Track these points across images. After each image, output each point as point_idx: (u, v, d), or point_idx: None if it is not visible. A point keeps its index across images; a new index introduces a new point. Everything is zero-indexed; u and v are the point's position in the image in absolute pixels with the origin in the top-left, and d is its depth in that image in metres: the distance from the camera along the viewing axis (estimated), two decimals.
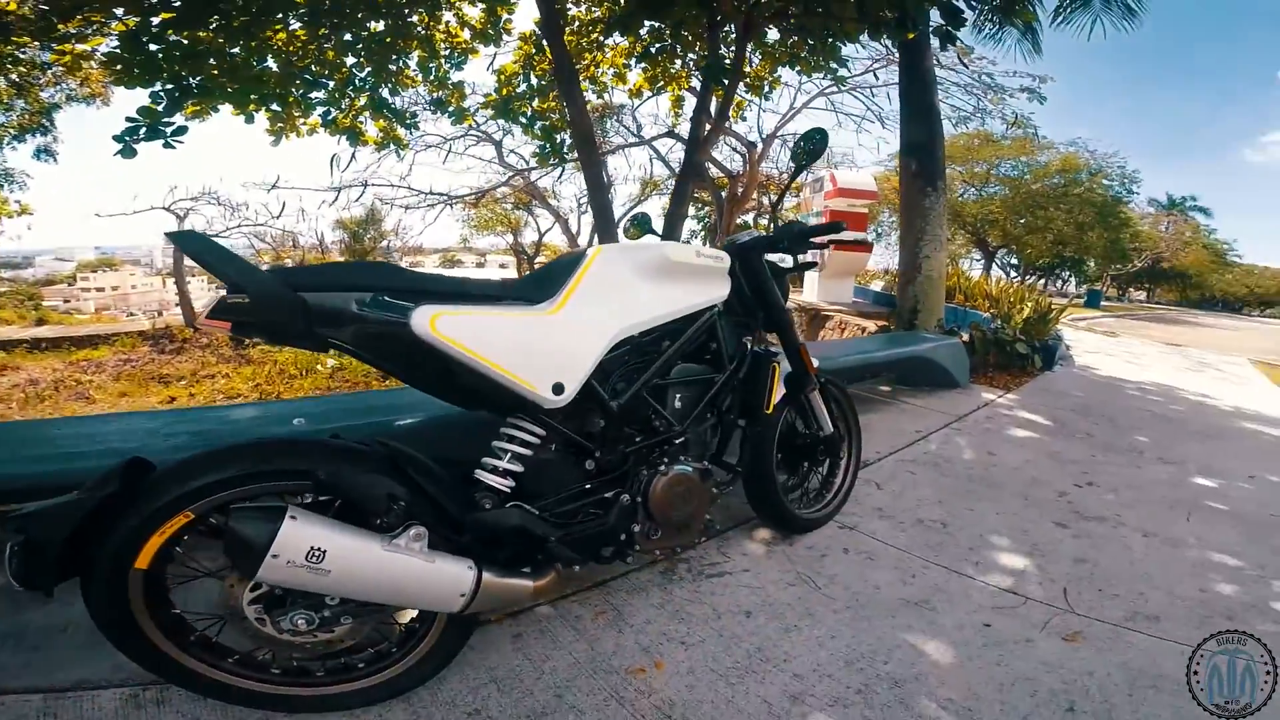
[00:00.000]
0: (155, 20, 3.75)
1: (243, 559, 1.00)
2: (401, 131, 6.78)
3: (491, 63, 6.71)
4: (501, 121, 8.01)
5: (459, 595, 1.20)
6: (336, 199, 9.56)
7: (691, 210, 17.07)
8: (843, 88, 9.46)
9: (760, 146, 10.99)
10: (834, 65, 5.60)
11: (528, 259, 22.15)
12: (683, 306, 1.58)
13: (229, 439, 1.48)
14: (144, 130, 4.33)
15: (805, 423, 2.18)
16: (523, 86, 6.73)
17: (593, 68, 6.97)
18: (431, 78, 6.36)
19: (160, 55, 4.01)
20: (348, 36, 5.23)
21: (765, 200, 14.04)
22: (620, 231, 2.36)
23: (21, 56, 4.68)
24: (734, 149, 12.21)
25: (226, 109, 5.04)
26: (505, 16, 5.76)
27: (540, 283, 1.38)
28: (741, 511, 2.17)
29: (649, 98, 7.88)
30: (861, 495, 2.45)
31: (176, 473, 1.04)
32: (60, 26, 3.54)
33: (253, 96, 5.04)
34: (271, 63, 5.29)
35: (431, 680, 1.34)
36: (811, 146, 1.79)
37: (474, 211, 19.85)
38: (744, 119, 9.94)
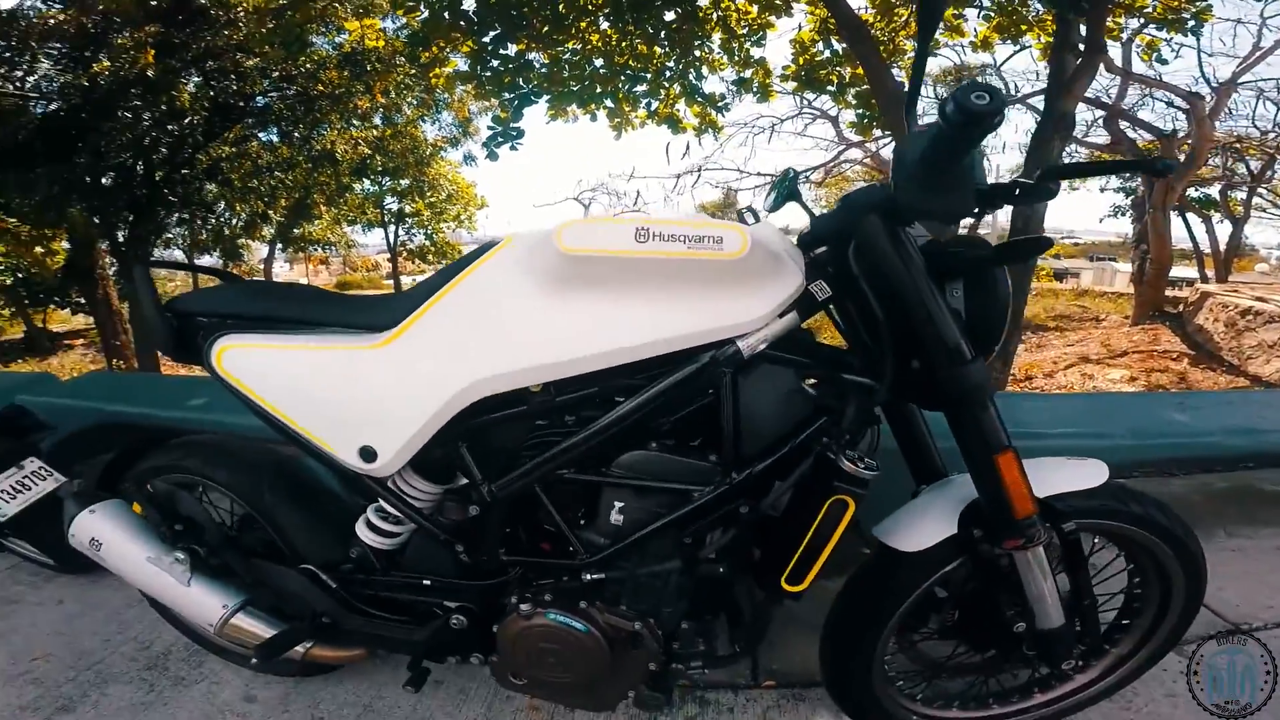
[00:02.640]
0: (486, 39, 4.67)
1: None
2: (715, 115, 7.01)
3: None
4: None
5: (207, 623, 1.19)
6: (675, 185, 10.49)
7: (1115, 183, 13.30)
8: None
9: (1212, 99, 8.03)
10: None
11: None
12: (615, 345, 0.88)
13: None
14: (500, 135, 5.54)
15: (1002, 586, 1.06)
16: (826, 53, 6.25)
17: (914, 23, 6.06)
18: (735, 58, 6.41)
19: (497, 69, 5.03)
20: (649, 29, 5.62)
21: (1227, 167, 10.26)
22: (763, 207, 1.14)
23: (411, 83, 6.48)
24: (1171, 104, 9.22)
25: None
26: None
27: (404, 297, 1.00)
28: None
29: (1016, 51, 6.46)
30: None
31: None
32: (423, 55, 4.71)
33: (574, 93, 5.84)
34: (599, 63, 6.04)
35: None
36: None
37: (824, 191, 19.47)
38: (1163, 62, 7.27)
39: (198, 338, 1.07)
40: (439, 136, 8.72)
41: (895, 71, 6.72)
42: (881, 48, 6.31)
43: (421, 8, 4.50)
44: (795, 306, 0.91)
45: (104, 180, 6.22)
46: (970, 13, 5.71)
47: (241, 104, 6.48)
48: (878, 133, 8.54)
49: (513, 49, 4.95)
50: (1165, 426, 1.89)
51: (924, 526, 0.98)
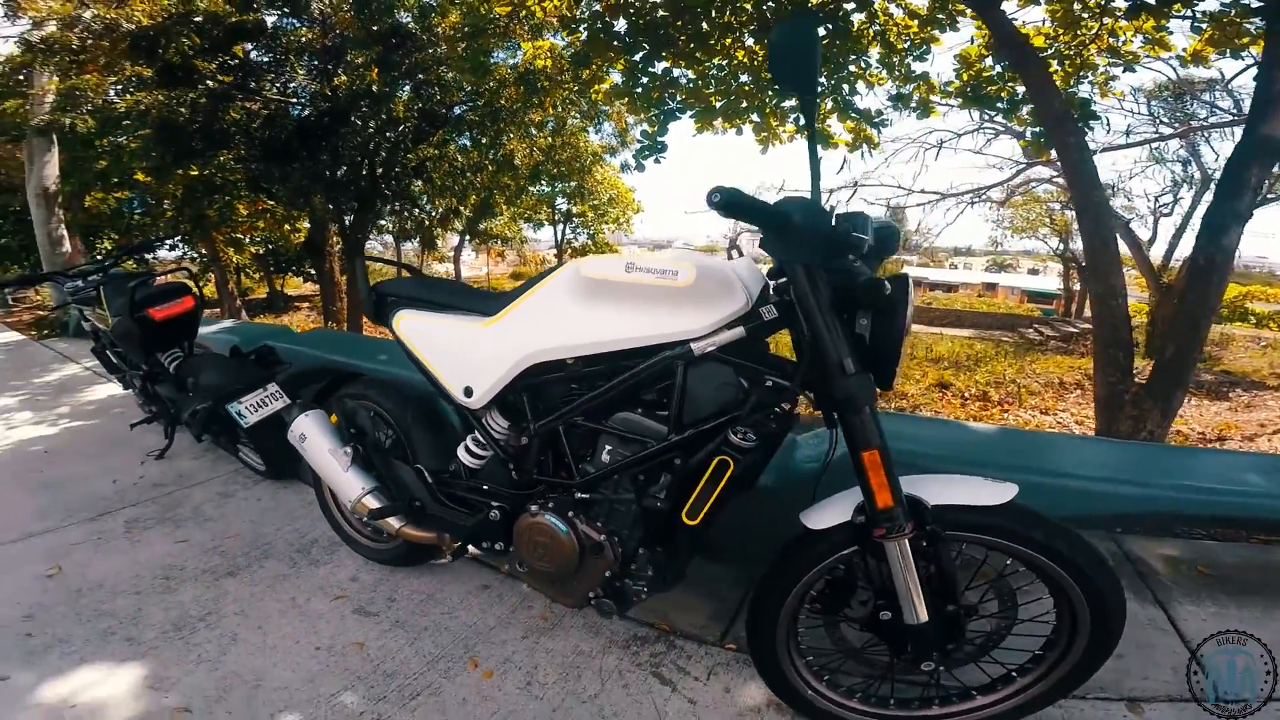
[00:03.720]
0: (636, 57, 5.11)
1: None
2: (871, 131, 6.86)
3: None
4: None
5: (348, 499, 1.78)
6: (828, 200, 10.30)
7: None
8: None
9: None
10: None
11: (1076, 266, 18.44)
12: (608, 338, 1.26)
13: None
14: (648, 148, 6.00)
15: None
16: (996, 68, 5.88)
17: (1105, 36, 5.49)
18: (895, 73, 6.24)
19: (646, 85, 5.46)
20: None
21: None
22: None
23: (575, 98, 7.12)
24: None
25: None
26: None
27: (506, 295, 1.47)
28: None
29: (1245, 68, 5.58)
30: None
31: None
32: (584, 72, 5.27)
33: (718, 109, 6.08)
34: (745, 78, 6.22)
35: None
36: None
37: (1010, 212, 17.67)
38: None
39: (387, 310, 1.65)
40: (600, 144, 9.51)
41: (1085, 87, 6.13)
42: (1067, 62, 5.81)
43: (582, 30, 5.03)
44: (743, 323, 1.18)
45: (339, 175, 7.62)
46: (1179, 24, 5.07)
47: (443, 111, 7.60)
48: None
49: (660, 66, 5.32)
50: (1219, 482, 1.72)
51: (830, 511, 1.20)
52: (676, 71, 5.65)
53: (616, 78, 5.64)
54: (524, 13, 4.87)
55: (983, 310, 21.00)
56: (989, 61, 5.82)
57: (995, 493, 1.12)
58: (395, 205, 9.89)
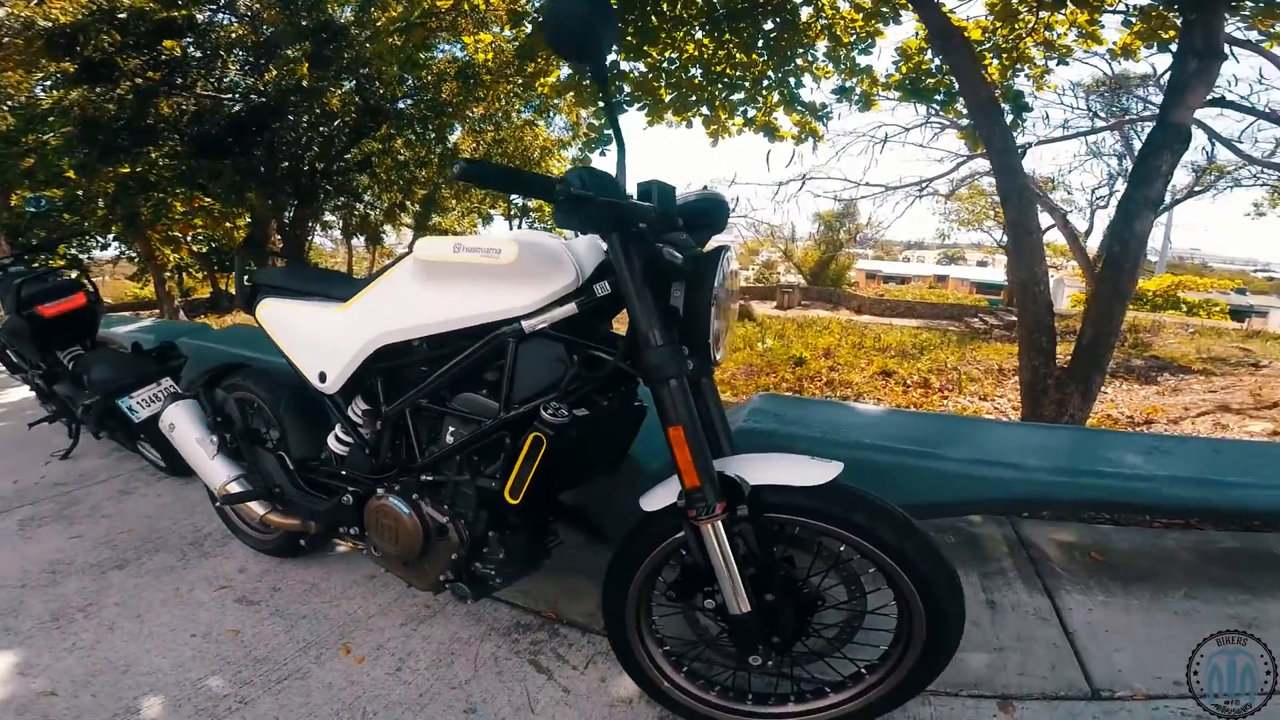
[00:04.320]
0: None
1: None
2: (816, 124, 6.94)
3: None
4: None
5: (214, 486, 1.79)
6: (777, 193, 10.41)
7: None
8: None
9: None
10: None
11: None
12: (442, 318, 1.25)
13: None
14: (595, 141, 5.95)
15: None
16: (936, 61, 6.00)
17: (1041, 29, 5.65)
18: (842, 66, 6.32)
19: (590, 82, 5.39)
20: (746, 38, 5.70)
21: None
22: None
23: (520, 92, 7.05)
24: None
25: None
26: None
27: (364, 281, 1.48)
28: None
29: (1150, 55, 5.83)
30: None
31: None
32: (530, 66, 5.18)
33: (668, 102, 6.06)
34: (696, 71, 6.19)
35: None
36: None
37: (956, 205, 18.21)
38: None
39: (255, 299, 1.68)
40: (554, 137, 9.39)
41: (1023, 79, 6.29)
42: (1004, 55, 5.97)
43: (526, 24, 4.93)
44: (574, 298, 1.15)
45: (275, 171, 7.33)
46: (1113, 18, 5.24)
47: (386, 105, 7.39)
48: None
49: (607, 60, 5.27)
50: (1106, 465, 1.69)
51: (662, 493, 1.15)
52: (628, 65, 5.61)
53: (565, 71, 5.55)
54: (467, 6, 4.71)
55: (932, 301, 21.62)
56: (929, 55, 5.94)
57: (818, 471, 1.06)
58: (338, 200, 9.59)
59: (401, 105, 7.31)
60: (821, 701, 1.21)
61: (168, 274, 15.49)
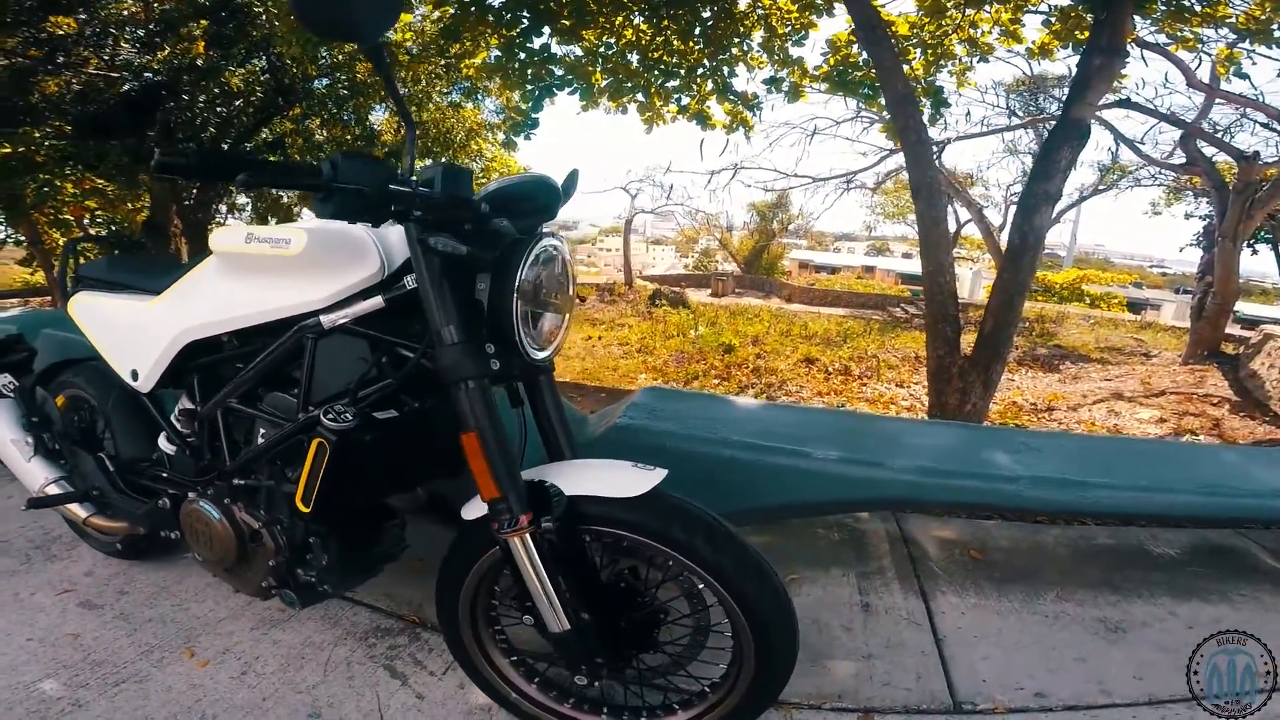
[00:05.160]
0: (514, 32, 4.81)
1: None
2: (748, 114, 6.92)
3: None
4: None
5: (33, 489, 1.66)
6: (709, 182, 10.48)
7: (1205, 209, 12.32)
8: None
9: None
10: None
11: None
12: (241, 314, 1.20)
13: None
14: (519, 125, 5.72)
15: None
16: (864, 55, 6.09)
17: (966, 27, 5.82)
18: (775, 57, 6.32)
19: (524, 61, 5.18)
20: (684, 25, 5.58)
21: None
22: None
23: (442, 74, 6.77)
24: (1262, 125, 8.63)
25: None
26: None
27: (177, 271, 1.39)
28: None
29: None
30: None
31: None
32: (454, 47, 4.92)
33: (603, 87, 5.88)
34: (633, 57, 6.02)
35: None
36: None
37: (882, 199, 18.91)
38: (1242, 76, 6.71)
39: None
40: (482, 120, 9.04)
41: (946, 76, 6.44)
42: (929, 51, 6.10)
43: (450, 4, 4.68)
44: (380, 291, 1.07)
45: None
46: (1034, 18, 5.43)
47: (299, 86, 6.92)
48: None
49: (538, 42, 5.06)
50: (975, 466, 1.73)
51: (479, 502, 1.05)
52: (561, 49, 5.42)
53: (494, 52, 5.30)
54: None
55: (859, 291, 22.45)
56: (857, 48, 6.02)
57: (638, 481, 0.99)
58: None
59: (315, 85, 6.85)
60: (670, 718, 1.17)
61: (56, 260, 14.08)
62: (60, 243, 14.29)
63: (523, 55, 5.20)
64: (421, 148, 9.71)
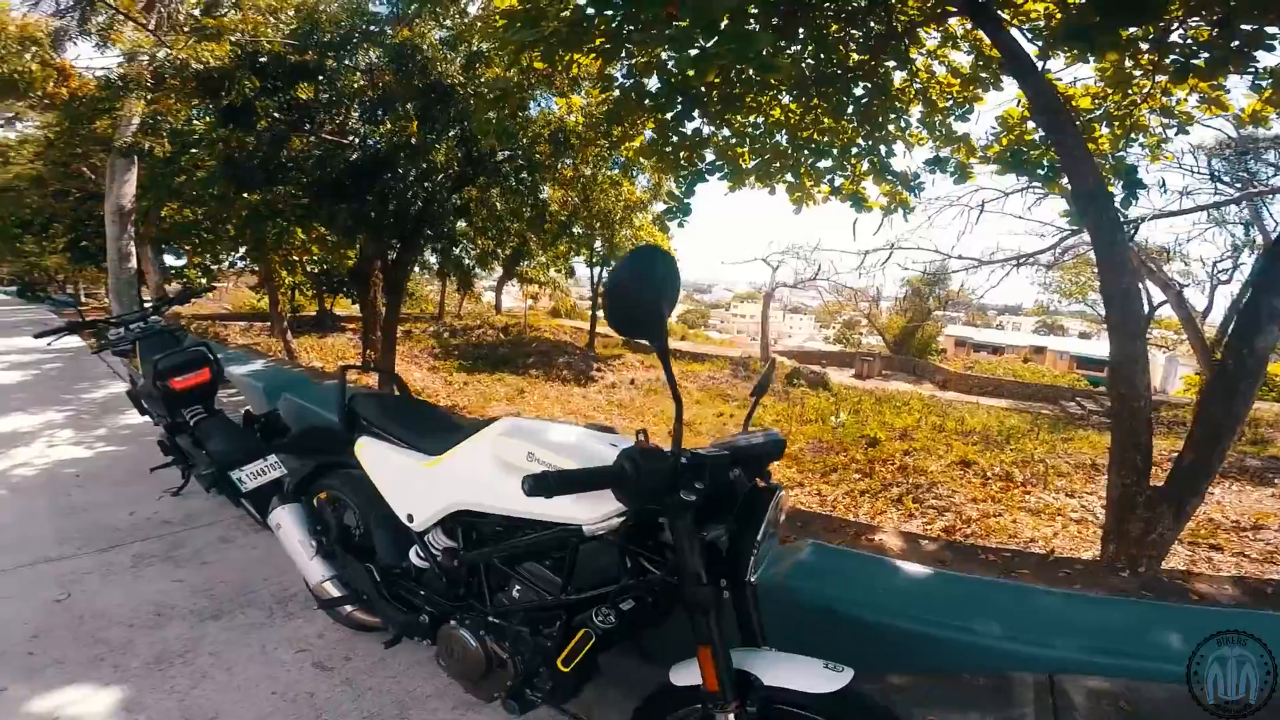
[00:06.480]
0: (668, 115, 5.14)
1: None
2: (907, 194, 6.69)
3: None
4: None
5: (311, 582, 2.05)
6: (862, 262, 10.21)
7: None
8: None
9: None
10: None
11: None
12: (513, 507, 1.45)
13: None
14: (673, 210, 6.05)
15: None
16: (1040, 132, 5.72)
17: (1158, 95, 5.28)
18: (937, 134, 6.12)
19: (676, 144, 5.50)
20: (835, 103, 5.59)
21: None
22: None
23: (606, 155, 7.31)
24: None
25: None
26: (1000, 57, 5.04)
27: (449, 437, 1.72)
28: None
29: None
30: None
31: None
32: (615, 130, 5.38)
33: (750, 169, 6.04)
34: (781, 138, 6.13)
35: None
36: None
37: (1059, 274, 17.12)
38: None
39: (355, 428, 1.98)
40: (640, 192, 9.65)
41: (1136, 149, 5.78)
42: (1116, 124, 5.56)
43: (614, 89, 5.13)
44: (631, 513, 1.30)
45: (384, 218, 7.95)
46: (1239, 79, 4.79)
47: (486, 158, 7.90)
48: None
49: (690, 126, 5.34)
50: (1129, 645, 1.68)
51: (689, 672, 1.29)
52: (709, 129, 5.65)
53: (649, 134, 5.69)
54: (560, 68, 4.97)
55: (1025, 379, 20.19)
56: (1031, 124, 5.65)
57: (828, 680, 1.17)
58: (436, 245, 10.23)
59: (498, 158, 7.78)
60: None
61: (282, 292, 16.96)
62: (287, 280, 17.22)
63: (675, 138, 5.49)
64: (585, 222, 10.60)
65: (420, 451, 1.77)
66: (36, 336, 3.46)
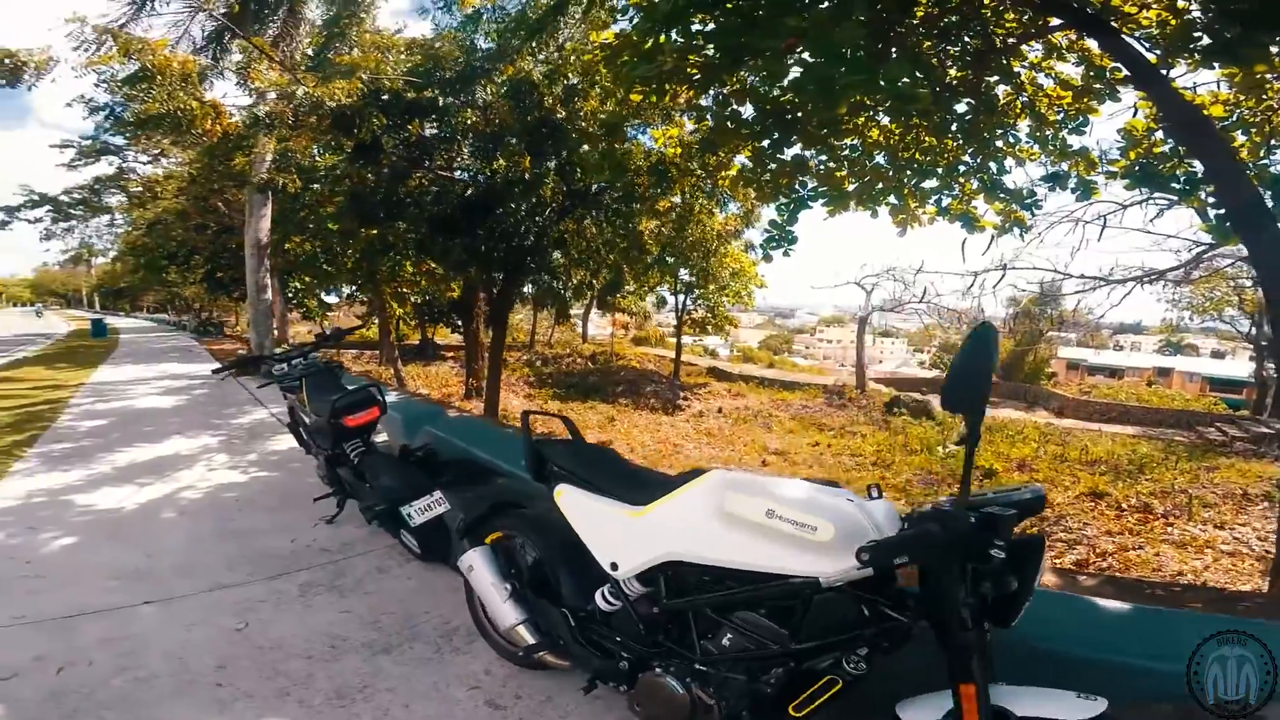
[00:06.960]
0: (764, 143, 5.15)
1: None
2: (1023, 212, 6.35)
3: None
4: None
5: (505, 625, 2.05)
6: (974, 283, 9.73)
7: None
8: None
9: None
10: None
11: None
12: (740, 560, 1.48)
13: None
14: (776, 239, 6.04)
15: None
16: (1170, 142, 5.33)
17: None
18: (1050, 147, 5.82)
19: (774, 171, 5.49)
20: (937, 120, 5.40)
21: None
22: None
23: (702, 184, 7.38)
24: None
25: None
26: (1112, 65, 4.78)
27: (657, 490, 1.75)
28: None
29: None
30: None
31: None
32: (710, 160, 5.46)
33: (851, 192, 5.92)
34: (880, 158, 6.00)
35: None
36: None
37: (1188, 290, 15.57)
38: None
39: (548, 477, 2.00)
40: (730, 216, 9.74)
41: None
42: (1254, 131, 5.12)
43: (709, 117, 5.22)
44: (873, 564, 1.30)
45: (493, 252, 8.39)
46: None
47: (585, 190, 8.22)
48: None
49: (789, 152, 5.31)
50: None
51: (922, 710, 1.33)
52: (808, 153, 5.61)
53: (743, 161, 5.70)
54: (654, 98, 5.11)
55: (1153, 404, 18.31)
56: (1159, 134, 5.28)
57: (1083, 709, 1.18)
58: (537, 277, 10.67)
59: (596, 189, 8.08)
60: None
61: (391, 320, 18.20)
62: (396, 311, 18.49)
63: (773, 165, 5.47)
64: (679, 251, 10.77)
65: (623, 501, 1.79)
66: (214, 373, 3.96)
